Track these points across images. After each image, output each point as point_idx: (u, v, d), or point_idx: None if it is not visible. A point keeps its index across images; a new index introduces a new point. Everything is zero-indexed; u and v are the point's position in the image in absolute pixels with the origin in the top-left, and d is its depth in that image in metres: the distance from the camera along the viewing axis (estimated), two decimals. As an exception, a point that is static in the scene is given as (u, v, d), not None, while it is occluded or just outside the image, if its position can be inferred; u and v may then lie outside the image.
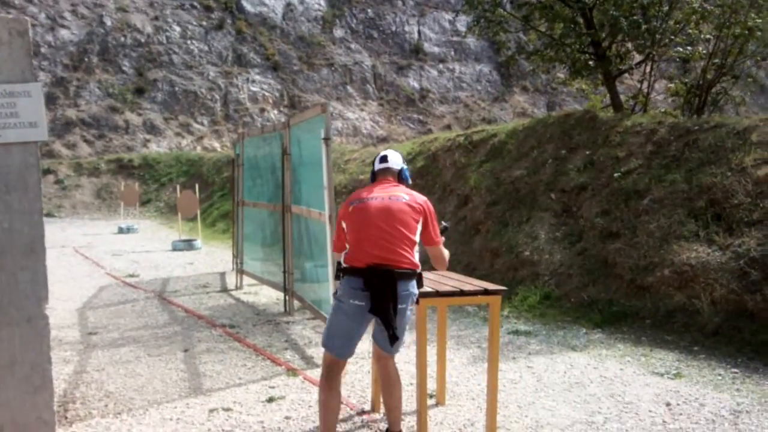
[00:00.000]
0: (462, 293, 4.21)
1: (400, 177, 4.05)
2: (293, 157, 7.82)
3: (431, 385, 5.12)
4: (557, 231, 8.76)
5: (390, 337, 3.69)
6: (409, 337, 6.08)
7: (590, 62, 11.66)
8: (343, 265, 3.79)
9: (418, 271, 3.83)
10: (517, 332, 6.91)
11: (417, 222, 3.82)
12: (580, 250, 8.23)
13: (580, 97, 26.86)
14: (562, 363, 5.85)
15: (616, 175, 8.61)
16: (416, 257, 3.81)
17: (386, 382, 3.98)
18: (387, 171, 4.03)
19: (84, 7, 32.81)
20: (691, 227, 7.21)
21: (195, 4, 35.09)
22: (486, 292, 4.24)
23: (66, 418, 4.75)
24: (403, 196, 3.84)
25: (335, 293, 3.86)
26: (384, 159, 4.05)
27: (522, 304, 7.88)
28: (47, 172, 26.59)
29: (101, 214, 25.05)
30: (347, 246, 3.87)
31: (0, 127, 3.11)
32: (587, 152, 9.45)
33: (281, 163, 8.08)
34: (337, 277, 3.84)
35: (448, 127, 33.78)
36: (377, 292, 3.63)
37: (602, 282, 7.64)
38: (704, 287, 6.54)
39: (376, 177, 4.05)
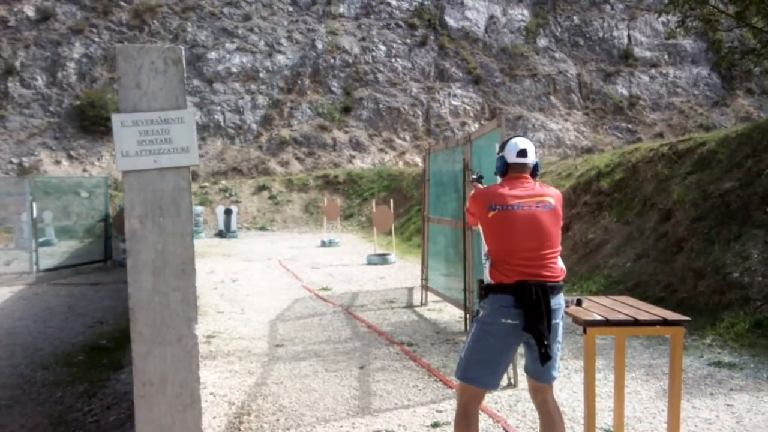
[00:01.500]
0: (636, 323, 3.77)
1: (533, 171, 3.67)
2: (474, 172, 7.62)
3: (608, 420, 4.68)
4: (774, 250, 7.75)
5: (542, 356, 3.38)
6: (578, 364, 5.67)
7: (817, 61, 10.30)
8: (489, 281, 3.50)
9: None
10: (719, 364, 6.16)
11: (560, 228, 3.55)
12: (802, 272, 7.22)
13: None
14: (770, 403, 5.12)
15: None
16: (560, 263, 3.55)
17: (547, 420, 3.58)
18: (525, 167, 3.63)
19: (298, 33, 35.01)
20: None
21: (400, 23, 36.15)
22: (665, 322, 3.76)
23: (239, 430, 4.90)
24: (550, 201, 3.52)
25: (476, 315, 3.58)
26: (523, 153, 3.61)
27: (728, 331, 7.04)
28: (262, 188, 28.60)
29: (308, 227, 26.44)
30: (486, 249, 3.60)
31: (155, 153, 3.26)
32: (812, 161, 8.31)
33: (462, 178, 7.92)
34: (481, 296, 3.52)
35: (660, 135, 31.81)
36: (531, 307, 3.34)
37: (828, 310, 6.62)
38: None
39: (508, 170, 3.64)
